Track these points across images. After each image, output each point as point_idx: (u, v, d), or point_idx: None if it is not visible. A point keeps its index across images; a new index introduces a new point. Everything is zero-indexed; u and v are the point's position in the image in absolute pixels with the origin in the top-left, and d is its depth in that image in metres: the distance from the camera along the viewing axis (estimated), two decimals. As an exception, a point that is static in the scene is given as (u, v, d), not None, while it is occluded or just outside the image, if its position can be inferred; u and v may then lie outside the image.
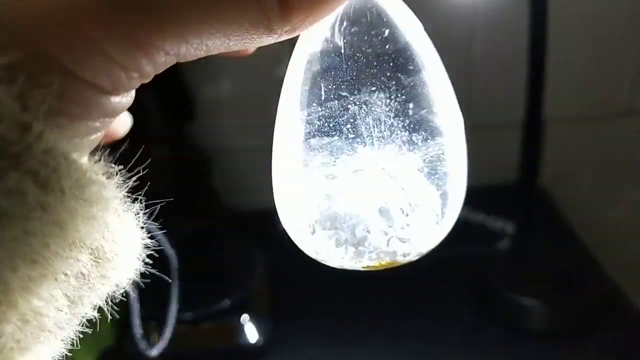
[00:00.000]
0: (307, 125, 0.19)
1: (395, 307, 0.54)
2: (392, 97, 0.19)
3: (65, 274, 0.14)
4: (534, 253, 0.54)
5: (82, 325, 0.16)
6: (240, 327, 0.51)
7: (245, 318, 0.51)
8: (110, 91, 0.14)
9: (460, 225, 0.22)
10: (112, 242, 0.15)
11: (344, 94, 0.19)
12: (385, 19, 0.20)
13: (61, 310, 0.15)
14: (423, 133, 0.19)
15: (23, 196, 0.13)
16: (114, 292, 0.17)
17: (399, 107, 0.19)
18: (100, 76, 0.14)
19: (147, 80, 0.15)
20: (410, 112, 0.19)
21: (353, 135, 0.19)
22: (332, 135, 0.19)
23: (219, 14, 0.14)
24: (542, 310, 0.52)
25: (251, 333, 0.51)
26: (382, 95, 0.19)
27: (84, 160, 0.15)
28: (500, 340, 0.51)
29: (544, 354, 0.50)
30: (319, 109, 0.19)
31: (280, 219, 0.21)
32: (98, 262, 0.15)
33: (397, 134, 0.19)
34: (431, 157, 0.20)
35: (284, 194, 0.21)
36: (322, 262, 0.21)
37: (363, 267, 0.20)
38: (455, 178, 0.20)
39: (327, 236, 0.20)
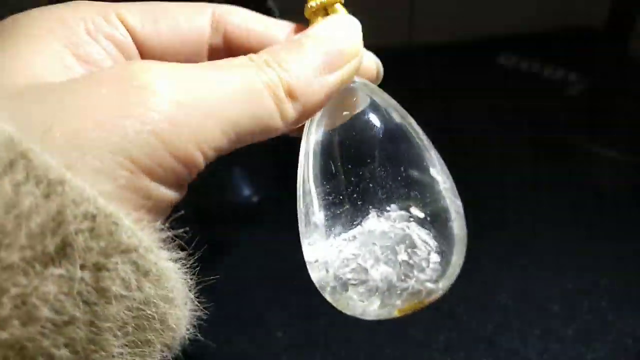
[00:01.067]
0: (324, 200, 0.22)
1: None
2: (390, 165, 0.22)
3: None
4: (609, 103, 0.48)
5: None
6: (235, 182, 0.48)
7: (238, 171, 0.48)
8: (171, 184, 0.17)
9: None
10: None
11: (349, 169, 0.22)
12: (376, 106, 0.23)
13: None
14: (419, 188, 0.22)
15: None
16: None
17: (397, 172, 0.22)
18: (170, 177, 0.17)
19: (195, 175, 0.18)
20: (405, 174, 0.22)
21: (362, 201, 0.22)
22: (345, 204, 0.22)
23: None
24: (621, 163, 0.44)
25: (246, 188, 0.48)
26: (381, 165, 0.22)
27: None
28: (572, 198, 0.43)
29: (623, 212, 0.42)
30: (331, 184, 0.22)
31: (315, 283, 0.23)
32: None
33: (398, 194, 0.22)
34: (430, 206, 0.22)
35: (314, 261, 0.23)
36: (360, 317, 0.23)
37: (398, 312, 0.22)
38: (454, 219, 0.22)
39: (358, 292, 0.22)
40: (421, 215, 0.22)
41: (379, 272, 0.22)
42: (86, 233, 0.15)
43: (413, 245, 0.22)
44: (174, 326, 0.18)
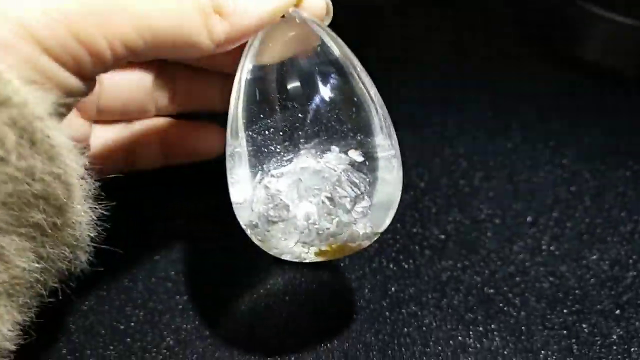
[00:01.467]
0: (254, 136, 0.22)
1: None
2: (328, 105, 0.22)
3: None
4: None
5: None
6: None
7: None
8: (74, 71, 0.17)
9: None
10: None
11: (284, 105, 0.22)
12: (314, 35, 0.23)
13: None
14: (359, 132, 0.22)
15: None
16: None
17: (336, 113, 0.22)
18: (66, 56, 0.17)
19: (103, 71, 0.18)
20: (345, 116, 0.22)
21: (295, 140, 0.22)
22: (276, 142, 0.22)
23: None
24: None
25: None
26: (319, 104, 0.22)
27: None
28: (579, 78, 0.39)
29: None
30: (263, 120, 0.22)
31: (242, 224, 0.22)
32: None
33: (335, 135, 0.22)
34: (368, 151, 0.22)
35: (241, 202, 0.22)
36: (281, 257, 0.22)
37: (315, 254, 0.22)
38: (392, 167, 0.22)
39: (279, 229, 0.22)
40: (359, 159, 0.22)
41: (301, 209, 0.21)
42: None
43: (341, 186, 0.21)
44: (74, 220, 0.17)
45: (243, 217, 0.22)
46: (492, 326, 0.25)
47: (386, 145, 0.22)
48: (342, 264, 0.27)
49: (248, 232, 0.22)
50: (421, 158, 0.33)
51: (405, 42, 0.42)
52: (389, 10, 0.45)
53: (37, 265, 0.16)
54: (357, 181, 0.22)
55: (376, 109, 0.22)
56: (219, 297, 0.26)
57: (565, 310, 0.25)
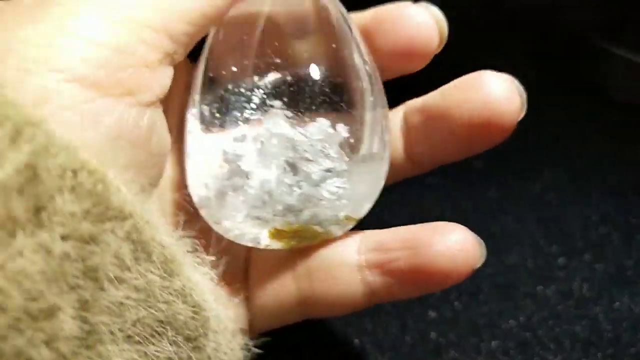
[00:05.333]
0: (212, 88, 0.19)
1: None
2: (317, 67, 0.18)
3: None
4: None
5: None
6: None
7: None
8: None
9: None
10: None
11: (263, 51, 0.19)
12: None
13: None
14: (335, 95, 0.18)
15: None
16: None
17: (309, 67, 0.18)
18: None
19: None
20: (322, 74, 0.18)
21: (260, 98, 0.18)
22: (238, 98, 0.18)
23: None
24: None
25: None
26: (306, 64, 0.18)
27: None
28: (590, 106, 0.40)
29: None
30: (235, 67, 0.19)
31: (195, 202, 0.19)
32: None
33: (320, 100, 0.18)
34: (344, 121, 0.18)
35: (190, 158, 0.19)
36: (234, 239, 0.19)
37: (271, 236, 0.19)
38: (372, 145, 0.19)
39: (233, 201, 0.18)
40: (344, 134, 0.18)
41: (260, 177, 0.18)
42: (66, 193, 0.12)
43: (311, 154, 0.18)
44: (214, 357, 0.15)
45: (197, 194, 0.19)
46: (530, 371, 0.26)
47: (378, 126, 0.19)
48: (381, 311, 0.29)
49: (201, 212, 0.19)
50: (450, 200, 0.34)
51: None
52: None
53: None
54: (334, 155, 0.18)
55: (371, 83, 0.19)
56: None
57: (599, 354, 0.27)
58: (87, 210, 0.12)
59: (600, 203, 0.33)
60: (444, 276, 0.19)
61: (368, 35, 0.20)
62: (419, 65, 0.20)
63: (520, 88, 0.19)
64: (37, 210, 0.11)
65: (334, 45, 0.19)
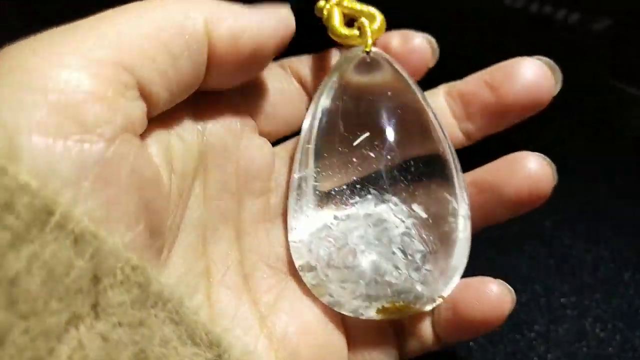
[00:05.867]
0: (321, 174, 0.21)
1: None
2: (400, 152, 0.21)
3: None
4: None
5: None
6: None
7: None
8: None
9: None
10: None
11: (355, 145, 0.21)
12: (394, 77, 0.22)
13: None
14: (428, 185, 0.21)
15: None
16: None
17: (408, 162, 0.21)
18: None
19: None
20: (416, 167, 0.21)
21: (365, 182, 0.21)
22: (343, 182, 0.21)
23: None
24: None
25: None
26: (391, 149, 0.21)
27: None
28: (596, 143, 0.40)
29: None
30: (332, 159, 0.21)
31: (296, 264, 0.21)
32: None
33: (403, 185, 0.21)
34: (435, 208, 0.21)
35: (298, 240, 0.21)
36: (334, 307, 0.21)
37: (377, 312, 0.21)
38: (463, 226, 0.21)
39: (341, 277, 0.20)
40: (423, 215, 0.20)
41: (369, 259, 0.20)
42: (116, 287, 0.14)
43: (412, 241, 0.20)
44: None
45: (299, 256, 0.21)
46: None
47: (462, 207, 0.21)
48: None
49: (302, 273, 0.21)
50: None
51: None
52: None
53: None
54: (426, 237, 0.20)
55: (455, 165, 0.22)
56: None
57: (614, 395, 0.27)
58: (133, 299, 0.14)
59: (611, 241, 0.34)
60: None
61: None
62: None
63: (551, 163, 0.23)
64: (94, 305, 0.13)
65: (422, 131, 0.21)
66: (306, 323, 0.21)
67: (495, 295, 0.22)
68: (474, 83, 0.23)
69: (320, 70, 0.24)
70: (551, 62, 0.23)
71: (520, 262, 0.33)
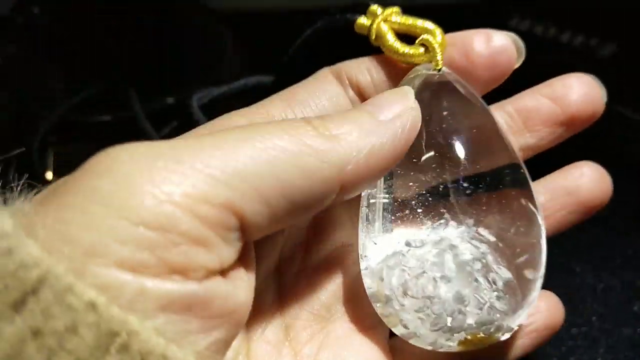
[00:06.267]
0: (394, 196, 0.20)
1: None
2: (475, 173, 0.20)
3: None
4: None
5: None
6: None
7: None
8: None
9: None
10: None
11: (423, 159, 0.20)
12: (464, 98, 0.21)
13: None
14: (503, 209, 0.20)
15: None
16: None
17: (482, 183, 0.20)
18: None
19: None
20: (489, 187, 0.20)
21: (437, 204, 0.20)
22: (418, 208, 0.20)
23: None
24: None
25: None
26: (465, 172, 0.20)
27: None
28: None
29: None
30: (406, 180, 0.20)
31: (367, 292, 0.20)
32: None
33: (479, 209, 0.20)
34: (513, 231, 0.20)
35: (369, 267, 0.20)
36: (409, 339, 0.20)
37: (459, 344, 0.19)
38: (538, 253, 0.20)
39: (418, 308, 0.19)
40: (492, 238, 0.19)
41: (450, 289, 0.19)
42: None
43: (490, 268, 0.19)
44: None
45: (371, 284, 0.20)
46: None
47: (534, 231, 0.20)
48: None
49: (374, 302, 0.20)
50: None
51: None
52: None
53: None
54: (503, 266, 0.19)
55: (530, 190, 0.21)
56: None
57: None
58: None
59: (620, 270, 0.34)
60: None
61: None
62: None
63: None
64: None
65: (495, 154, 0.21)
66: None
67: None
68: (531, 97, 0.24)
69: (381, 75, 0.22)
70: (597, 79, 0.24)
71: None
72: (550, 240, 0.35)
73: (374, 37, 0.22)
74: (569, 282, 0.33)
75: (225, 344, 0.16)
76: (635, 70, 0.45)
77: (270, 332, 0.20)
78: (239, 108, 0.21)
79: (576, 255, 0.35)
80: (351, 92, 0.22)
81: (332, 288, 0.22)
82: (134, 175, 0.14)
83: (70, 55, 0.43)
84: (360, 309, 0.21)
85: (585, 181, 0.24)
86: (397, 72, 0.22)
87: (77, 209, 0.14)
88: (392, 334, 0.21)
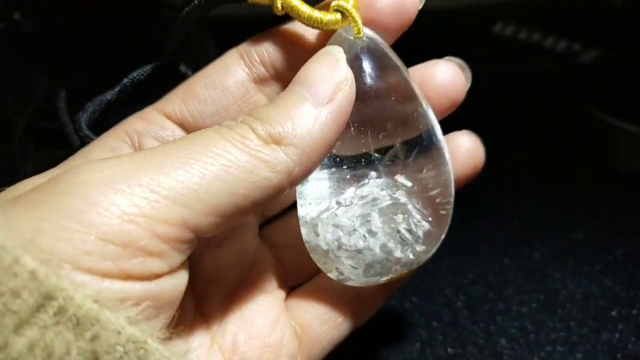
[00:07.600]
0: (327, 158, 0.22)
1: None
2: (395, 128, 0.22)
3: None
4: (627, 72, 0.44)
5: None
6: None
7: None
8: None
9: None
10: None
11: (353, 129, 0.21)
12: (387, 62, 0.22)
13: None
14: (420, 159, 0.22)
15: None
16: None
17: (400, 135, 0.22)
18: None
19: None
20: (410, 139, 0.22)
21: (362, 165, 0.22)
22: (343, 167, 0.22)
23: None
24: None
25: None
26: (386, 127, 0.22)
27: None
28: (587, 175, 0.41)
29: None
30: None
31: (305, 242, 0.22)
32: None
33: (398, 164, 0.22)
34: (424, 174, 0.22)
35: (307, 221, 0.22)
36: (343, 282, 0.23)
37: (385, 282, 0.22)
38: (446, 199, 0.22)
39: (351, 259, 0.22)
40: (408, 183, 0.22)
41: (378, 241, 0.21)
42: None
43: (409, 214, 0.21)
44: None
45: (307, 236, 0.22)
46: None
47: (450, 174, 0.22)
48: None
49: (311, 253, 0.22)
50: (452, 275, 0.35)
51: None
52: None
53: None
54: (421, 208, 0.22)
55: (438, 139, 0.22)
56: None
57: None
58: None
59: (599, 274, 0.34)
60: None
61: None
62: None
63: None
64: None
65: (415, 110, 0.22)
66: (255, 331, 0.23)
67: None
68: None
69: (289, 48, 0.22)
70: (462, 62, 0.24)
71: (509, 296, 0.33)
72: (530, 246, 0.36)
73: (279, 6, 0.21)
74: (548, 287, 0.33)
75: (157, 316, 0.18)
76: (617, 76, 0.45)
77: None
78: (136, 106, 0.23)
79: (556, 260, 0.35)
80: (261, 69, 0.22)
81: (233, 260, 0.24)
82: (101, 196, 0.16)
83: (52, 62, 0.43)
84: (260, 278, 0.24)
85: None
86: (305, 40, 0.22)
87: (54, 224, 0.16)
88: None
